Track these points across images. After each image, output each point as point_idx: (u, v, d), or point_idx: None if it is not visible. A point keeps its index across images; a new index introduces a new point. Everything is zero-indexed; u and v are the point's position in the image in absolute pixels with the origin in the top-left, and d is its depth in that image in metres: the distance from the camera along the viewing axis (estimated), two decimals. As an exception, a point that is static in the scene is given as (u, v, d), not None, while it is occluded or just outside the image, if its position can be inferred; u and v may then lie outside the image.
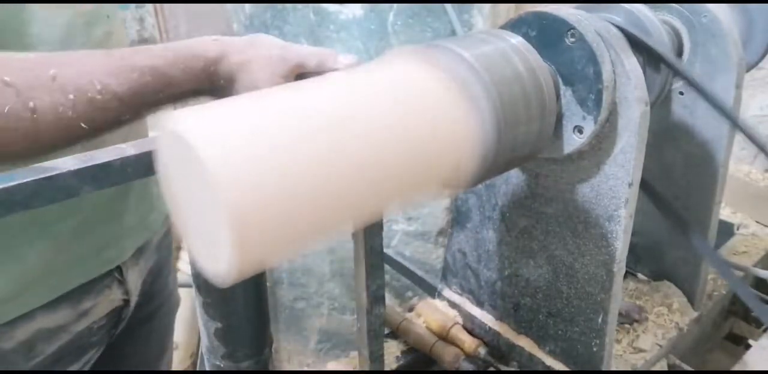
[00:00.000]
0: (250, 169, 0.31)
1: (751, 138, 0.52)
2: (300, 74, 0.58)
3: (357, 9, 1.34)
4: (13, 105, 0.46)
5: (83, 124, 0.50)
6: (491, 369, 0.74)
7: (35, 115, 0.48)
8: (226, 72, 0.57)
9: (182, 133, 0.32)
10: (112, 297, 0.78)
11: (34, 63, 0.50)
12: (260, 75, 0.56)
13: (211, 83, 0.57)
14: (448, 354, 0.75)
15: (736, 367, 0.74)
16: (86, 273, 0.73)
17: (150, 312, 0.91)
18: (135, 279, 0.81)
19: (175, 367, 2.05)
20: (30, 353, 0.69)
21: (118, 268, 0.77)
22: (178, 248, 2.17)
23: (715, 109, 0.55)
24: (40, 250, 0.67)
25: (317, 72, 0.57)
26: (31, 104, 0.47)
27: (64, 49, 0.59)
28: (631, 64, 0.51)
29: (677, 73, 0.59)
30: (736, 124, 0.54)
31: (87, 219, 0.70)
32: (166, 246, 0.92)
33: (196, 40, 0.58)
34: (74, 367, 0.76)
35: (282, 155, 0.33)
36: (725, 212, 1.07)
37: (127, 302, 0.81)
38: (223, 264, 0.33)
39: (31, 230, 0.66)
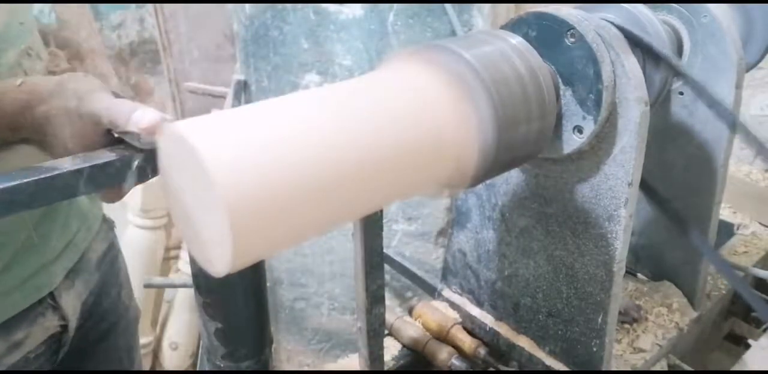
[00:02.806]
0: (246, 165, 0.33)
1: (750, 138, 0.52)
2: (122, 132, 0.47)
3: (357, 9, 1.34)
4: None
5: None
6: (491, 369, 0.74)
7: None
8: (31, 125, 0.49)
9: (183, 133, 0.33)
10: (47, 324, 0.73)
11: None
12: (64, 131, 0.48)
13: (18, 136, 0.50)
14: (441, 353, 0.75)
15: (736, 367, 0.74)
16: (14, 305, 0.69)
17: (104, 331, 0.87)
18: (72, 303, 0.77)
19: (175, 367, 2.05)
20: None
21: (51, 294, 0.73)
22: (178, 248, 2.17)
23: (714, 110, 0.55)
24: None
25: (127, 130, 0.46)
26: None
27: None
28: (631, 64, 0.51)
29: (677, 72, 0.59)
30: (735, 124, 0.54)
31: (14, 253, 0.67)
32: (110, 262, 0.88)
33: None
34: None
35: (279, 152, 0.34)
36: (725, 212, 1.07)
37: (65, 327, 0.76)
38: (220, 252, 0.34)
39: None
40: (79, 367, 0.84)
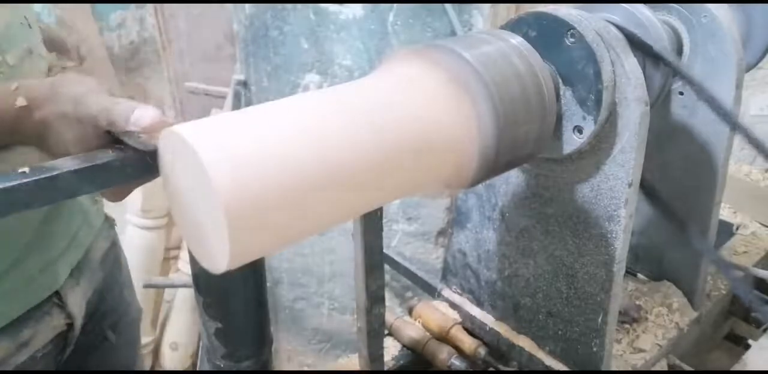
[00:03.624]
0: (244, 163, 0.33)
1: (749, 138, 0.52)
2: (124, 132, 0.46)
3: (357, 9, 1.34)
4: None
5: None
6: (491, 369, 0.74)
7: None
8: (30, 130, 0.49)
9: (182, 134, 0.34)
10: (54, 323, 0.74)
11: None
12: (66, 136, 0.47)
13: (17, 140, 0.50)
14: (441, 353, 0.75)
15: (736, 367, 0.74)
16: (22, 304, 0.69)
17: (108, 329, 0.88)
18: (77, 302, 0.77)
19: (175, 367, 2.05)
20: None
21: (57, 293, 0.73)
22: (178, 248, 2.17)
23: (713, 110, 0.55)
24: None
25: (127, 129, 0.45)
26: None
27: None
28: (631, 64, 0.51)
29: (677, 72, 0.59)
30: (735, 125, 0.54)
31: (20, 252, 0.67)
32: (113, 260, 0.89)
33: None
34: None
35: (276, 151, 0.35)
36: (725, 212, 1.07)
37: (71, 326, 0.77)
38: (218, 249, 0.34)
39: None
40: (83, 366, 0.84)
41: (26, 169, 0.39)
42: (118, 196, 0.50)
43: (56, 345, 0.76)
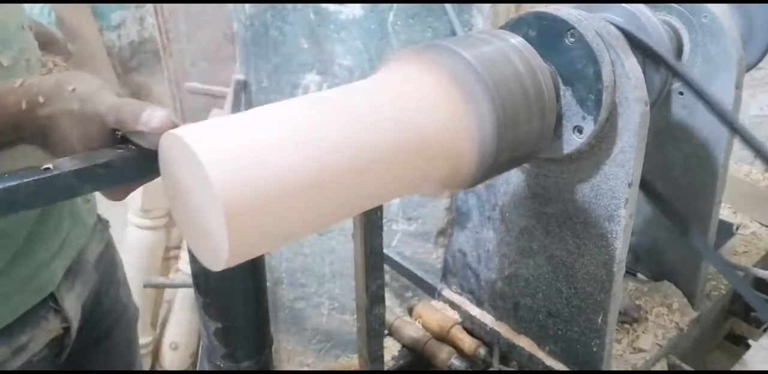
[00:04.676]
0: (242, 162, 0.34)
1: (748, 140, 0.52)
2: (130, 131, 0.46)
3: (357, 9, 1.34)
4: None
5: None
6: (491, 369, 0.74)
7: None
8: (34, 128, 0.48)
9: (181, 135, 0.34)
10: (50, 327, 0.73)
11: None
12: (71, 134, 0.47)
13: (21, 137, 0.49)
14: (441, 353, 0.75)
15: (736, 367, 0.74)
16: (17, 307, 0.69)
17: (105, 331, 0.88)
18: (73, 305, 0.77)
19: (175, 367, 2.05)
20: None
21: (52, 296, 0.73)
22: (178, 248, 2.17)
23: (712, 112, 0.55)
24: None
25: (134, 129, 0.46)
26: None
27: None
28: (631, 64, 0.51)
29: (676, 74, 0.59)
30: (734, 125, 0.54)
31: (16, 252, 0.67)
32: (108, 262, 0.88)
33: None
34: None
35: (274, 150, 0.36)
36: (725, 212, 1.07)
37: (67, 330, 0.76)
38: (217, 246, 0.35)
39: None
40: (80, 367, 0.84)
41: (50, 165, 0.40)
42: (119, 195, 0.50)
43: (52, 349, 0.75)
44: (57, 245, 0.74)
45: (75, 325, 0.78)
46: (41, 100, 0.47)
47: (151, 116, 0.44)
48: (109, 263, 0.89)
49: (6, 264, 0.66)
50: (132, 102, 0.46)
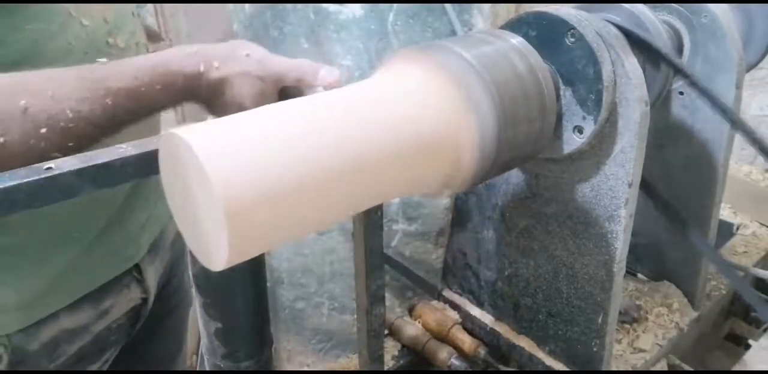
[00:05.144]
0: (241, 161, 0.34)
1: (751, 137, 0.52)
2: (284, 88, 0.55)
3: (357, 9, 1.33)
4: None
5: (56, 152, 0.48)
6: (491, 369, 0.74)
7: (3, 150, 0.46)
8: (206, 88, 0.54)
9: (181, 135, 0.34)
10: (131, 296, 0.79)
11: (3, 90, 0.47)
12: (242, 91, 0.54)
13: (192, 98, 0.55)
14: (441, 353, 0.75)
15: (736, 367, 0.74)
16: (108, 272, 0.74)
17: (167, 310, 0.92)
18: (152, 278, 0.82)
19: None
20: (53, 354, 0.70)
21: (136, 267, 0.78)
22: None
23: (715, 109, 0.55)
24: (66, 253, 0.68)
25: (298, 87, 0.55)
26: (1, 140, 0.45)
27: (88, 59, 0.58)
28: (632, 64, 0.51)
29: (678, 70, 0.59)
30: (736, 124, 0.54)
31: (110, 220, 0.71)
32: (180, 243, 0.92)
33: (173, 53, 0.55)
34: (94, 367, 0.77)
35: (273, 149, 0.36)
36: (725, 212, 1.07)
37: (145, 301, 0.82)
38: (217, 246, 0.35)
39: (60, 234, 0.66)
40: (144, 343, 0.88)
41: (51, 165, 0.41)
42: None
43: (129, 318, 0.80)
44: (144, 218, 0.79)
45: (152, 297, 0.83)
46: (216, 64, 0.53)
47: (328, 74, 0.53)
48: (181, 245, 0.93)
49: (101, 231, 0.71)
50: (307, 62, 0.54)
